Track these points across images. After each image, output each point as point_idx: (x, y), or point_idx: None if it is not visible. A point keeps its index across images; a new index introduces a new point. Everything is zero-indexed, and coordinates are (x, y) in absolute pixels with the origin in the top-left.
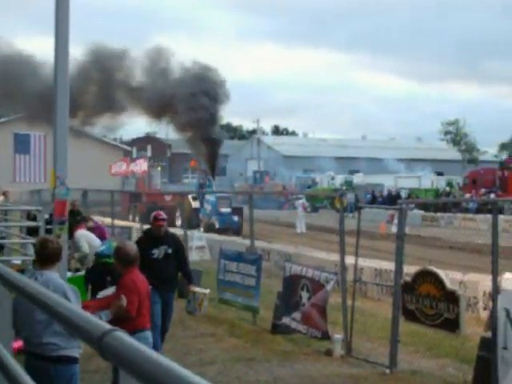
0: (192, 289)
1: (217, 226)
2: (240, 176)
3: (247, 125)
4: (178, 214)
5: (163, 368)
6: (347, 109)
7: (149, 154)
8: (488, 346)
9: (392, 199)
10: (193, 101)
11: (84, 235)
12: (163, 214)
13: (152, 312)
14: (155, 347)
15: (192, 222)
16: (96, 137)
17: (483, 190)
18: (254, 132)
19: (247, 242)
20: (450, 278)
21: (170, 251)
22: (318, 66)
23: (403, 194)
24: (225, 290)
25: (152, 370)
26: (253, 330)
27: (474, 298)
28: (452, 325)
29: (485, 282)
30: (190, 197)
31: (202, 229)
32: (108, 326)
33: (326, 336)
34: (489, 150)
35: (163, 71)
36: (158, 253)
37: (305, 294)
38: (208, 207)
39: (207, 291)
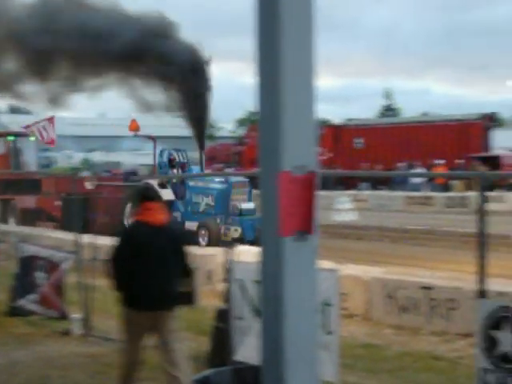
0: None
1: (237, 234)
2: None
3: None
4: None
5: None
6: None
7: None
8: (224, 316)
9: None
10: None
11: None
12: None
13: None
14: None
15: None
16: None
17: (221, 165)
18: None
19: None
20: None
21: None
22: None
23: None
24: None
25: None
26: None
27: (211, 271)
28: (188, 298)
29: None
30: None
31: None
32: None
33: (63, 316)
34: (225, 126)
35: None
36: None
37: (40, 275)
38: (202, 199)
39: None
